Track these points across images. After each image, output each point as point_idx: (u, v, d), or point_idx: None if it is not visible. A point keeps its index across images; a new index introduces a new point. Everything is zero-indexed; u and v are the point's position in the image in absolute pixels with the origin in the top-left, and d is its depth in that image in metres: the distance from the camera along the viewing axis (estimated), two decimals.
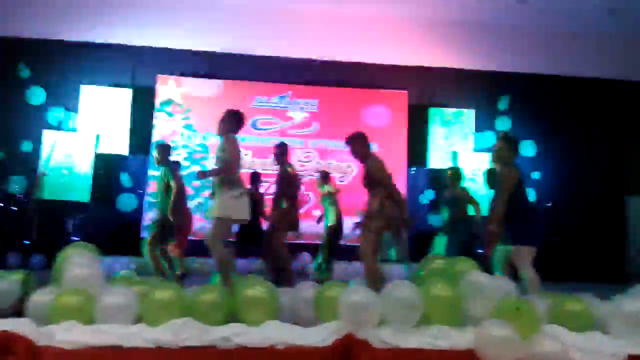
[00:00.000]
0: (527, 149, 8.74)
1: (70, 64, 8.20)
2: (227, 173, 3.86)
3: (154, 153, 5.42)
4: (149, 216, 7.51)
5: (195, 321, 2.80)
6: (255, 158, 8.38)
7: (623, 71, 9.01)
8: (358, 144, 4.27)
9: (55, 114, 7.86)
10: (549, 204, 8.64)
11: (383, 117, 8.71)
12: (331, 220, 6.49)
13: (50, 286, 3.27)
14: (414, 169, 8.66)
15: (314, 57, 8.56)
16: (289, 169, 5.32)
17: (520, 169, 4.12)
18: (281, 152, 5.33)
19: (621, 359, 2.82)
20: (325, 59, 8.61)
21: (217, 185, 3.88)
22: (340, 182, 8.32)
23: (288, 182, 5.24)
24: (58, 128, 3.85)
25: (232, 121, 4.07)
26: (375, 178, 4.18)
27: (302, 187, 6.05)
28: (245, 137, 8.42)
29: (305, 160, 8.52)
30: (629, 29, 8.66)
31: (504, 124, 8.76)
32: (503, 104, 8.81)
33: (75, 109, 8.04)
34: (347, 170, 8.50)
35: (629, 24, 8.48)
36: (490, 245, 4.76)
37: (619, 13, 8.07)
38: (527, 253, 3.89)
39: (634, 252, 8.74)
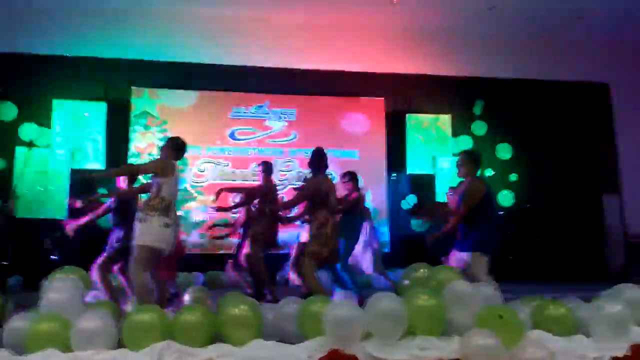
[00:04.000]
0: (503, 152, 8.89)
1: (42, 78, 8.02)
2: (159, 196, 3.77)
3: None
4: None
5: (177, 343, 2.74)
6: (234, 169, 8.32)
7: (592, 74, 9.23)
8: (313, 160, 4.44)
9: (27, 130, 7.67)
10: (527, 206, 8.78)
11: (361, 125, 8.74)
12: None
13: (26, 312, 3.18)
14: (394, 175, 8.71)
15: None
16: (272, 186, 5.41)
17: (486, 183, 4.37)
18: (268, 169, 5.44)
19: None
20: (302, 67, 8.61)
21: (146, 210, 3.76)
22: None
23: (271, 198, 5.28)
24: (30, 145, 3.76)
25: (172, 148, 4.02)
26: (315, 199, 4.27)
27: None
28: (224, 148, 8.37)
29: (285, 170, 8.48)
30: (599, 33, 8.89)
31: (479, 128, 8.89)
32: (478, 108, 8.94)
33: (48, 125, 7.87)
34: None
35: (599, 27, 8.71)
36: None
37: (589, 16, 8.28)
38: (484, 261, 4.02)
39: (612, 249, 8.93)
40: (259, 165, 5.68)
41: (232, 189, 6.02)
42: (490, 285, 3.87)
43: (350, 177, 5.54)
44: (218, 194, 5.63)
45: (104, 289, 4.62)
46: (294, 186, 8.09)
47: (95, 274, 4.63)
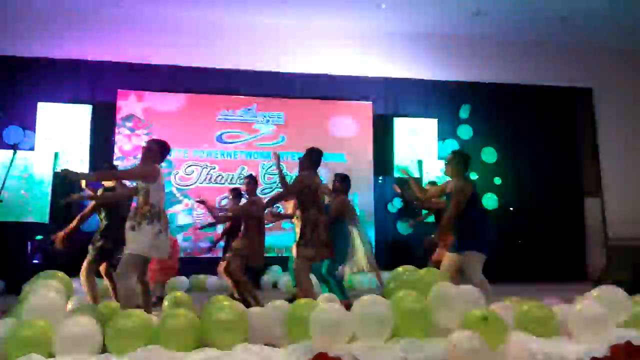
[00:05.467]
0: (489, 155, 8.99)
1: (27, 80, 7.92)
2: (149, 204, 3.75)
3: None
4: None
5: (162, 349, 2.72)
6: (221, 172, 8.30)
7: (576, 78, 9.39)
8: (307, 157, 4.43)
9: (11, 133, 7.57)
10: (511, 209, 8.89)
11: (349, 128, 8.78)
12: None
13: (7, 317, 3.14)
14: (381, 178, 8.75)
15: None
16: (257, 200, 5.42)
17: (473, 182, 4.44)
18: (253, 183, 5.44)
19: None
20: (290, 71, 8.63)
21: (137, 219, 3.72)
22: None
23: (256, 213, 5.27)
24: (14, 148, 3.69)
25: (156, 151, 3.96)
26: (304, 195, 4.27)
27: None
28: (211, 151, 8.35)
29: (273, 173, 8.48)
30: (582, 38, 9.05)
31: (465, 132, 8.99)
32: (464, 112, 9.04)
33: (32, 127, 7.77)
34: None
35: (582, 32, 8.86)
36: (434, 251, 5.02)
37: (572, 22, 8.42)
38: (477, 260, 4.07)
39: (592, 251, 9.09)
40: (243, 181, 5.68)
41: (210, 210, 5.95)
42: (485, 285, 3.93)
43: (342, 179, 5.54)
44: (200, 202, 5.83)
45: (88, 292, 4.58)
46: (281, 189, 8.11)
47: (81, 277, 4.60)
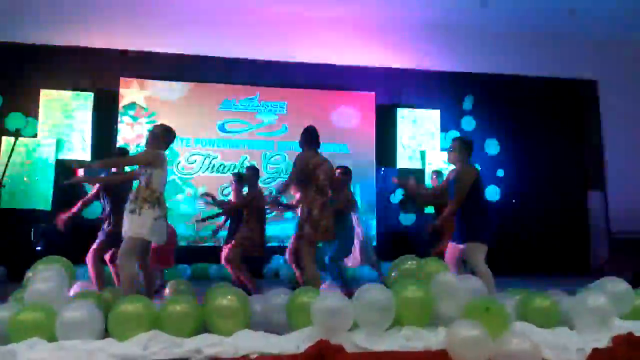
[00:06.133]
0: (491, 147, 8.96)
1: (30, 67, 7.90)
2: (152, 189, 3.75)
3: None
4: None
5: (164, 334, 2.73)
6: (223, 161, 8.28)
7: (581, 70, 9.32)
8: (302, 137, 4.42)
9: (13, 119, 7.55)
10: (514, 201, 8.87)
11: (351, 118, 8.74)
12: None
13: (10, 302, 3.15)
14: (383, 169, 8.73)
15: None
16: (259, 191, 5.40)
17: (477, 169, 4.37)
18: (254, 174, 5.42)
19: (587, 354, 2.90)
20: (293, 60, 8.58)
21: (139, 202, 3.72)
22: None
23: (257, 204, 5.27)
24: (16, 135, 3.70)
25: (161, 136, 3.95)
26: (302, 175, 4.21)
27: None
28: (213, 140, 8.33)
29: (275, 162, 8.47)
30: (588, 29, 8.97)
31: (468, 123, 8.95)
32: (467, 104, 8.99)
33: (35, 115, 7.76)
34: None
35: (588, 24, 8.78)
36: (440, 241, 4.98)
37: (578, 13, 8.34)
38: (479, 250, 4.05)
39: (595, 244, 9.07)
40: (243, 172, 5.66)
41: (215, 200, 5.97)
42: (488, 275, 3.92)
43: (344, 171, 5.50)
44: (203, 195, 5.93)
45: (93, 278, 4.62)
46: (283, 179, 8.11)
47: (88, 262, 4.65)
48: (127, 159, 4.68)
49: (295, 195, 5.28)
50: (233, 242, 5.26)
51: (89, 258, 4.63)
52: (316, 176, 4.20)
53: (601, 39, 9.20)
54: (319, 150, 4.47)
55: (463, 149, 4.30)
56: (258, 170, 5.71)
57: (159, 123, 4.15)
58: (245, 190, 5.59)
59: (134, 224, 3.67)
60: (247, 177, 5.53)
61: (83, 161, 4.90)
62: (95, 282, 4.61)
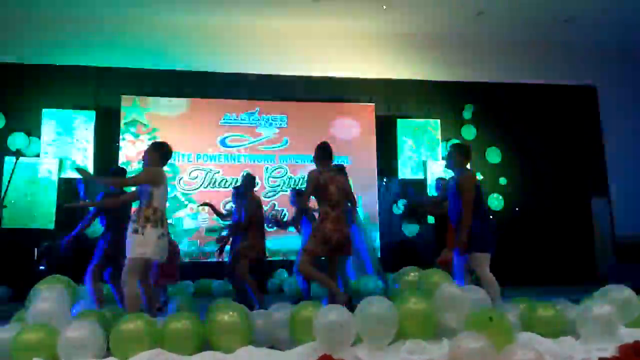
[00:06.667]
0: (492, 155, 8.95)
1: (31, 87, 7.96)
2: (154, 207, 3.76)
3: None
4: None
5: (166, 352, 2.72)
6: (225, 176, 8.30)
7: (580, 77, 9.35)
8: (315, 152, 4.41)
9: (14, 139, 7.60)
10: (517, 209, 8.83)
11: (352, 130, 8.77)
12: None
13: (13, 322, 3.14)
14: (385, 179, 8.73)
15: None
16: (256, 199, 5.43)
17: (475, 176, 4.35)
18: (250, 183, 5.44)
19: None
20: (292, 74, 8.63)
21: (141, 222, 3.72)
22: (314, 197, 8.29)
23: (255, 212, 5.32)
24: (17, 154, 3.74)
25: (158, 154, 3.98)
26: (314, 192, 4.22)
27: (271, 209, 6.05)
28: (215, 155, 8.35)
29: (276, 176, 8.48)
30: (586, 36, 9.01)
31: (469, 132, 8.95)
32: (468, 113, 9.01)
33: (37, 134, 7.81)
34: None
35: (586, 31, 8.82)
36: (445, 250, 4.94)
37: (576, 20, 8.39)
38: (484, 259, 4.04)
39: (600, 251, 9.00)
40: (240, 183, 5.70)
41: (215, 210, 6.03)
42: (494, 284, 3.91)
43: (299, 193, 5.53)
44: (205, 204, 6.03)
45: (93, 296, 4.60)
46: (285, 192, 8.11)
47: (87, 281, 4.64)
48: (130, 179, 4.64)
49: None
50: (234, 255, 5.27)
51: (88, 277, 4.63)
52: (329, 191, 4.21)
53: (600, 46, 9.25)
54: (331, 165, 4.47)
55: (460, 155, 4.30)
56: (254, 178, 5.73)
57: (155, 141, 4.15)
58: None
59: (137, 244, 3.67)
60: (244, 185, 5.57)
61: (89, 173, 4.90)
62: (95, 301, 4.60)
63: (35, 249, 7.05)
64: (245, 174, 5.75)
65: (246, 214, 5.32)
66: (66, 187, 7.70)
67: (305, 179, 4.40)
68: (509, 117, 9.15)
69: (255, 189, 5.94)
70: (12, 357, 2.68)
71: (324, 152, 4.39)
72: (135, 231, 3.69)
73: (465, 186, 4.11)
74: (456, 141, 8.82)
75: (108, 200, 4.78)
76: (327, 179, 4.24)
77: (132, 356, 2.69)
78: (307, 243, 4.23)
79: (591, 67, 9.34)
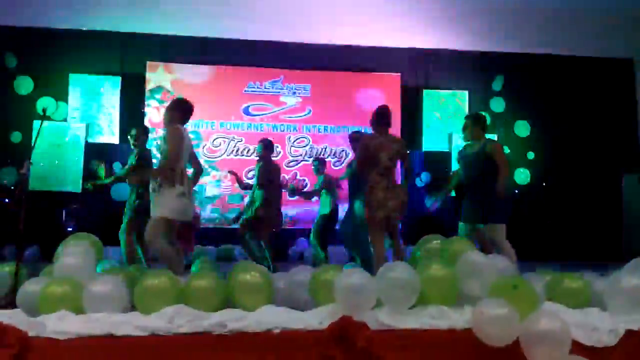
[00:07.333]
0: (522, 129, 8.73)
1: (58, 52, 8.04)
2: (168, 167, 3.68)
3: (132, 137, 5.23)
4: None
5: (189, 308, 2.75)
6: (248, 144, 8.30)
7: (616, 48, 8.94)
8: (371, 117, 4.33)
9: (43, 103, 7.72)
10: (544, 185, 8.64)
11: (376, 101, 8.59)
12: (326, 209, 6.39)
13: (41, 276, 3.23)
14: (409, 152, 8.59)
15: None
16: (272, 164, 5.63)
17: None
18: (267, 146, 5.49)
19: (619, 335, 2.80)
20: (317, 42, 8.49)
21: (158, 180, 3.69)
22: (335, 167, 8.26)
23: (270, 177, 5.43)
24: (43, 117, 3.79)
25: (178, 111, 3.89)
26: (364, 159, 4.18)
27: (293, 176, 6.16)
28: (238, 123, 8.35)
29: (299, 146, 8.45)
30: (622, 5, 8.57)
31: (498, 104, 8.72)
32: (497, 84, 8.75)
33: (64, 98, 7.91)
34: (342, 155, 8.44)
35: (621, 1, 8.38)
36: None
37: None
38: (502, 230, 4.09)
39: (629, 230, 8.78)
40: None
41: (239, 181, 6.21)
42: (513, 254, 3.98)
43: (354, 138, 5.40)
44: (230, 172, 6.23)
45: (126, 254, 4.75)
46: (307, 162, 8.09)
47: (121, 238, 4.79)
48: (169, 159, 4.26)
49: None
50: (253, 220, 5.44)
51: (121, 235, 4.80)
52: (378, 158, 4.09)
53: (636, 15, 8.78)
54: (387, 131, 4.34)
55: (477, 125, 4.31)
56: (272, 144, 5.82)
57: (176, 98, 4.11)
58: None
59: (156, 204, 3.70)
60: (262, 151, 5.68)
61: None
62: (127, 255, 4.77)
63: (64, 211, 7.22)
64: (263, 139, 5.82)
65: (260, 176, 5.44)
66: (93, 152, 7.82)
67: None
68: (539, 90, 8.87)
69: (274, 155, 6.01)
70: (40, 309, 2.76)
71: (377, 117, 4.29)
72: (153, 190, 3.72)
73: (499, 155, 4.14)
74: (484, 114, 8.62)
75: (134, 176, 4.85)
76: (377, 145, 4.11)
77: (155, 311, 2.74)
78: (364, 214, 4.16)
79: (628, 38, 8.90)
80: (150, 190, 3.77)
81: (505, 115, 8.62)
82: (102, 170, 5.09)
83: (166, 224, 3.72)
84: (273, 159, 5.97)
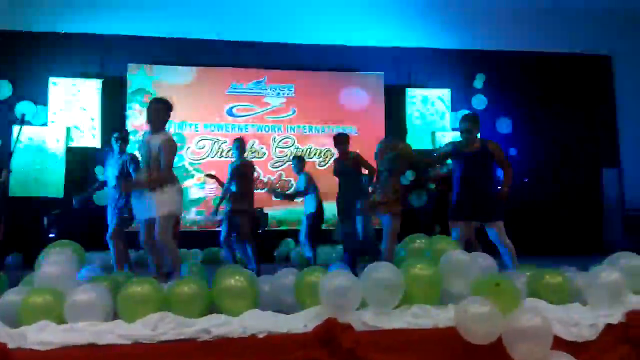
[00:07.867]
0: (503, 126, 8.82)
1: (37, 55, 7.92)
2: (167, 175, 3.82)
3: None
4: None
5: (173, 315, 2.73)
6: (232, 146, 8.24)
7: (595, 45, 9.09)
8: None
9: (18, 107, 7.59)
10: (526, 180, 8.75)
11: (360, 100, 8.65)
12: (311, 207, 6.40)
13: (21, 286, 3.18)
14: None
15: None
16: (247, 163, 5.75)
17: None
18: (241, 146, 5.72)
19: (600, 329, 2.85)
20: (300, 42, 8.48)
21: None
22: (320, 167, 8.27)
23: (246, 177, 5.51)
24: (21, 122, 3.72)
25: (168, 113, 3.96)
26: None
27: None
28: (222, 125, 8.31)
29: (284, 146, 8.43)
30: (601, 3, 8.71)
31: (479, 102, 8.80)
32: (479, 82, 8.84)
33: (44, 102, 7.79)
34: (327, 154, 8.45)
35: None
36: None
37: None
38: (503, 226, 4.25)
39: (609, 223, 8.94)
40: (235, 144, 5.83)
41: (219, 182, 6.21)
42: (513, 249, 4.20)
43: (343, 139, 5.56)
44: (208, 175, 6.34)
45: (116, 259, 4.73)
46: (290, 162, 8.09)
47: (109, 242, 4.75)
48: (168, 166, 3.94)
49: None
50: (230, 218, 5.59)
51: (110, 240, 4.78)
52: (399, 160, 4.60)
53: (615, 13, 8.93)
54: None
55: (476, 123, 4.44)
56: (244, 142, 5.93)
57: (156, 97, 4.11)
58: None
59: (161, 202, 3.74)
60: (235, 150, 5.78)
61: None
62: (116, 262, 4.75)
63: (45, 217, 7.12)
64: (237, 138, 5.87)
65: (232, 172, 5.52)
66: (74, 156, 7.72)
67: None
68: (520, 87, 8.98)
69: (257, 155, 6.10)
70: (21, 319, 2.71)
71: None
72: (154, 190, 3.75)
73: (499, 153, 4.34)
74: (466, 111, 8.70)
75: (128, 184, 4.81)
76: (392, 147, 4.72)
77: (139, 319, 2.71)
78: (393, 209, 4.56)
79: (606, 35, 9.05)
80: (150, 190, 3.77)
81: (487, 112, 8.71)
82: None
83: (173, 220, 3.86)
84: (256, 159, 6.06)
